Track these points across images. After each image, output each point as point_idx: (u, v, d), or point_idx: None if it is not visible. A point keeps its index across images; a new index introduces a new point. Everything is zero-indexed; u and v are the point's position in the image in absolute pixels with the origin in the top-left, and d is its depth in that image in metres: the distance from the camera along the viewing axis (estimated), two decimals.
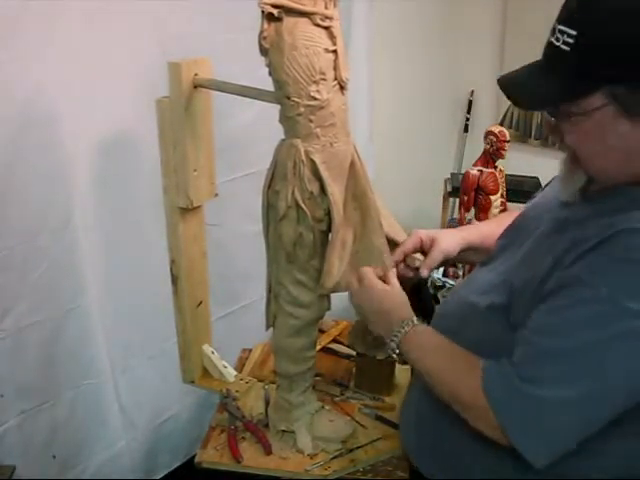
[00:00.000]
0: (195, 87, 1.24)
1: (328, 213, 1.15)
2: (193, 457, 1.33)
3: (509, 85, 0.89)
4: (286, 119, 1.11)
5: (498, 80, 0.90)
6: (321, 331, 1.72)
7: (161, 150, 1.30)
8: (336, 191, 1.14)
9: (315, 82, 1.06)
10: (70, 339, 1.63)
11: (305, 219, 1.13)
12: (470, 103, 2.96)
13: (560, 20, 0.82)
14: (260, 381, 1.50)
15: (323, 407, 1.38)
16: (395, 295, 1.10)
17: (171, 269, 1.41)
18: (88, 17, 1.46)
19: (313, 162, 1.10)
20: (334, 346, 1.70)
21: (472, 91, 2.94)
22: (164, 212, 1.36)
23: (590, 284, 0.79)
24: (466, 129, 2.98)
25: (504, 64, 2.75)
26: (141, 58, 1.55)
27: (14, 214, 1.45)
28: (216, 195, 1.38)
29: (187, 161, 1.28)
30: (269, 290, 1.26)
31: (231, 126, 1.83)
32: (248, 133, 1.91)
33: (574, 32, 0.79)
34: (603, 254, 0.80)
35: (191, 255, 1.41)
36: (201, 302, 1.47)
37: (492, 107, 2.87)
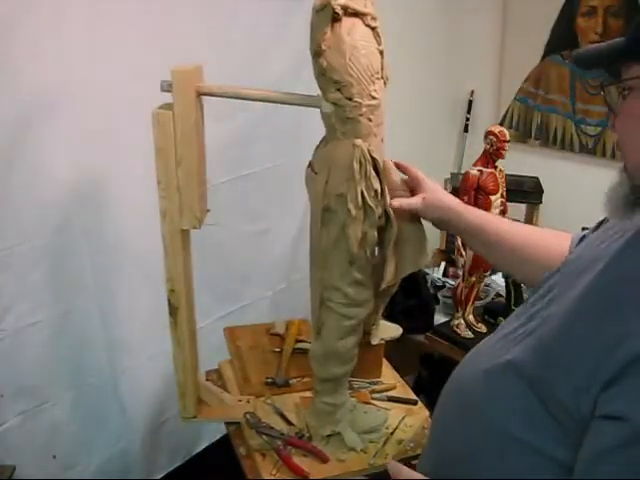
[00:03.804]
0: (198, 95, 1.16)
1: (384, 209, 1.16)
2: (193, 457, 1.32)
3: (582, 51, 0.84)
4: (345, 120, 1.09)
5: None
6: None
7: (160, 169, 1.16)
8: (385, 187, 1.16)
9: (373, 82, 1.08)
10: (70, 339, 1.63)
11: (372, 217, 1.13)
12: (470, 103, 2.95)
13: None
14: (258, 397, 1.46)
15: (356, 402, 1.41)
16: None
17: (169, 300, 1.28)
18: (88, 18, 1.46)
19: (376, 160, 1.11)
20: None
21: (472, 91, 2.94)
22: (161, 239, 1.23)
23: None
24: (466, 129, 2.98)
25: (504, 64, 2.75)
26: (141, 58, 1.55)
27: (14, 214, 1.45)
28: (208, 210, 1.29)
29: (193, 177, 1.17)
30: (318, 298, 1.22)
31: (231, 126, 1.83)
32: (248, 133, 1.91)
33: None
34: None
35: (189, 281, 1.29)
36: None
37: (492, 107, 2.87)
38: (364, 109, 1.08)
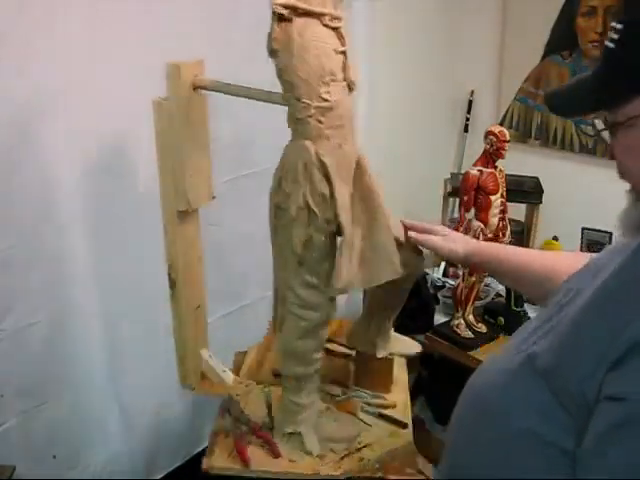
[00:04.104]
0: (195, 89, 1.22)
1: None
2: (193, 457, 1.33)
3: (553, 94, 0.82)
4: (296, 121, 1.10)
5: (545, 94, 0.84)
6: None
7: (158, 153, 1.27)
8: (345, 192, 1.14)
9: (325, 83, 1.06)
10: (70, 339, 1.63)
11: (315, 221, 1.13)
12: (470, 103, 2.95)
13: (613, 16, 0.75)
14: (259, 384, 1.49)
15: (328, 408, 1.38)
16: None
17: (169, 274, 1.39)
18: (88, 17, 1.46)
19: (324, 164, 1.10)
20: (328, 345, 1.69)
21: (472, 91, 2.94)
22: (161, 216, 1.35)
23: None
24: (466, 129, 2.97)
25: (504, 64, 2.74)
26: (141, 58, 1.55)
27: (14, 214, 1.45)
28: (213, 197, 1.37)
29: (185, 164, 1.26)
30: (276, 294, 1.25)
31: (231, 126, 1.83)
32: (248, 133, 1.91)
33: (620, 26, 0.68)
34: None
35: (189, 259, 1.39)
36: (199, 306, 1.46)
37: (492, 107, 2.87)
38: (313, 110, 1.07)
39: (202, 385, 1.49)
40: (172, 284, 1.40)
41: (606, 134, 0.79)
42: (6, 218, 1.43)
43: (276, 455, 1.29)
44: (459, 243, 1.24)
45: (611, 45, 0.69)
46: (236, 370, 1.59)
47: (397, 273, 1.19)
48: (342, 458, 1.29)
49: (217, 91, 1.24)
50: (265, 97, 1.17)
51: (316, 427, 1.32)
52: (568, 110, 0.84)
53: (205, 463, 1.29)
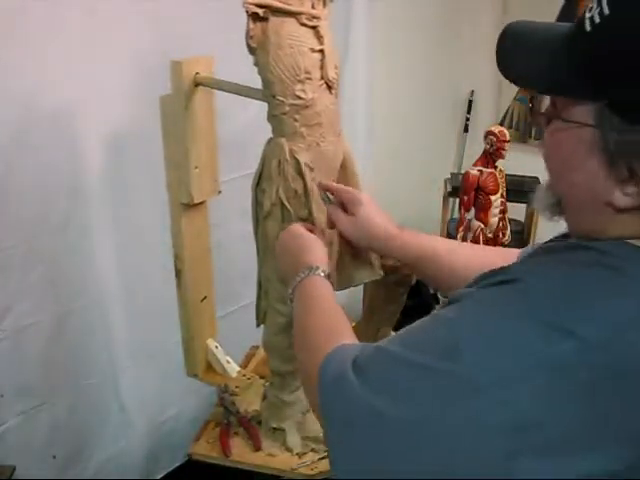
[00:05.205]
0: (196, 85, 1.24)
1: None
2: None
3: (514, 38, 0.72)
4: (272, 118, 1.12)
5: (509, 25, 0.74)
6: None
7: (164, 146, 1.31)
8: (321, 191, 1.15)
9: (300, 81, 1.07)
10: (70, 339, 1.63)
11: (289, 218, 1.14)
12: (470, 103, 2.96)
13: None
14: (262, 378, 1.50)
15: None
16: (317, 246, 1.01)
17: (175, 264, 1.42)
18: (89, 16, 1.46)
19: (297, 161, 1.11)
20: None
21: (472, 91, 2.94)
22: (167, 208, 1.37)
23: None
24: (466, 129, 2.98)
25: None
26: (141, 58, 1.55)
27: (14, 214, 1.45)
28: (219, 192, 1.39)
29: (188, 157, 1.28)
30: (259, 287, 1.27)
31: (231, 126, 1.83)
32: (248, 133, 1.90)
33: (607, 11, 0.55)
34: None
35: (194, 250, 1.42)
36: (205, 297, 1.48)
37: (492, 107, 2.87)
38: (287, 108, 1.08)
39: (207, 375, 1.51)
40: (177, 274, 1.43)
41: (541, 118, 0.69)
42: (6, 218, 1.43)
43: (256, 448, 1.30)
44: (365, 240, 1.07)
45: (589, 28, 0.57)
46: (246, 363, 1.60)
47: (375, 275, 1.20)
48: (321, 459, 1.29)
49: (216, 88, 1.25)
50: (250, 93, 1.19)
51: (301, 425, 1.33)
52: (515, 79, 0.71)
53: (190, 449, 1.33)
